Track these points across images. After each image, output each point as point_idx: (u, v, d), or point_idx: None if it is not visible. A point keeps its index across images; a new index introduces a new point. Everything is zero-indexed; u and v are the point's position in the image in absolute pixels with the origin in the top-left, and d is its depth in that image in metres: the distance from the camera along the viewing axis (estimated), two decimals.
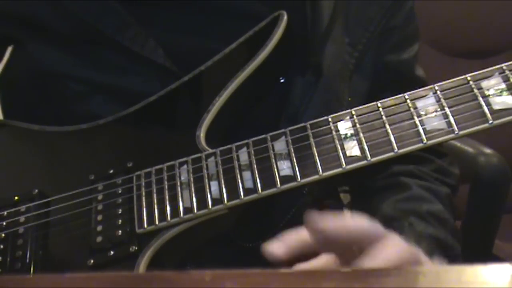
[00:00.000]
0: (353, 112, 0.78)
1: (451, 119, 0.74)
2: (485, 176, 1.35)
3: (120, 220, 0.82)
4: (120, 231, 0.81)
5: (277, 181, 0.77)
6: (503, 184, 1.35)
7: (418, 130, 0.74)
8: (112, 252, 0.80)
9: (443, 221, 0.91)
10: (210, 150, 0.81)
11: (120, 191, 0.84)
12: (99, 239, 0.81)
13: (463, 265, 0.51)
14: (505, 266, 0.51)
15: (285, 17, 0.85)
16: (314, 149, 0.77)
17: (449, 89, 0.76)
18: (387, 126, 0.75)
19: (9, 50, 1.00)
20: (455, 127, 0.73)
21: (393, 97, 0.77)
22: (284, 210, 0.87)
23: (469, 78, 0.76)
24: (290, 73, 0.88)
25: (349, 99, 0.94)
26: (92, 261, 0.80)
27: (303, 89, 0.89)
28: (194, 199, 0.79)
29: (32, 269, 0.80)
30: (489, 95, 0.74)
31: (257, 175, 0.78)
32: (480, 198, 1.38)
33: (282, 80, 0.87)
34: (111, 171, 0.85)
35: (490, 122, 0.73)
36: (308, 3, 0.92)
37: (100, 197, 0.84)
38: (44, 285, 0.55)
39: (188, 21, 0.91)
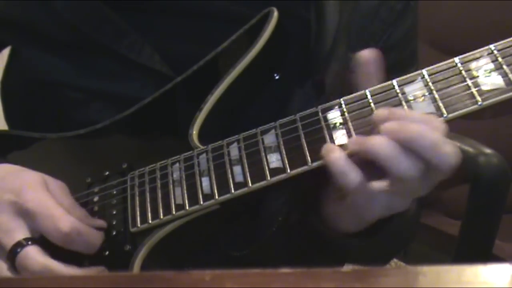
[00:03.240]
0: (342, 101, 0.77)
1: (439, 102, 0.73)
2: (485, 176, 1.35)
3: (114, 221, 0.82)
4: (114, 231, 0.82)
5: (266, 173, 0.76)
6: (503, 184, 1.35)
7: None
8: (107, 252, 0.81)
9: None
10: (202, 147, 0.81)
11: (115, 192, 0.84)
12: None
13: (463, 265, 0.51)
14: (505, 266, 0.51)
15: (275, 13, 0.84)
16: (303, 140, 0.76)
17: (437, 72, 0.75)
18: None
19: (5, 56, 1.01)
20: (443, 110, 0.72)
21: (381, 84, 0.76)
22: (269, 221, 0.87)
23: (457, 61, 0.75)
24: (288, 82, 0.88)
25: None
26: (87, 262, 0.80)
27: (301, 101, 0.89)
28: (186, 196, 0.79)
29: None
30: (477, 76, 0.73)
31: (247, 169, 0.77)
32: (480, 198, 1.38)
33: (276, 77, 0.87)
34: (107, 173, 0.86)
35: (480, 103, 0.72)
36: (313, 17, 0.92)
37: (96, 198, 0.85)
38: (44, 285, 0.55)
39: (183, 27, 0.91)
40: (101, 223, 0.81)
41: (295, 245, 0.90)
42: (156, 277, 0.53)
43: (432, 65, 0.77)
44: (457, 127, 1.52)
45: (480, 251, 1.40)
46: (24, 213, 0.77)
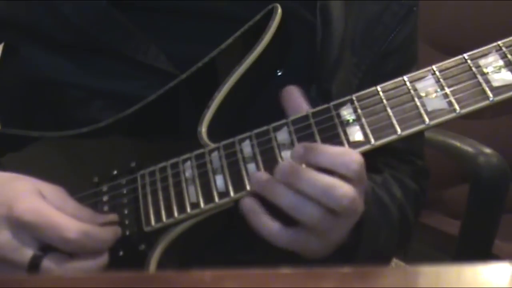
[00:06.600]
0: (354, 98, 0.78)
1: (452, 98, 0.74)
2: (485, 176, 1.35)
3: (127, 220, 0.81)
4: (128, 231, 0.81)
5: None
6: (503, 184, 1.35)
7: (419, 112, 0.74)
8: (121, 252, 0.80)
9: (401, 206, 0.93)
10: (213, 145, 0.81)
11: (125, 192, 0.83)
12: None
13: (463, 265, 0.51)
14: (505, 266, 0.51)
15: (279, 10, 0.84)
16: (318, 137, 0.77)
17: (447, 69, 0.76)
18: (389, 110, 0.75)
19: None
20: (456, 106, 0.74)
21: (392, 81, 0.77)
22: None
23: (466, 57, 0.76)
24: (293, 82, 0.88)
25: None
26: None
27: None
28: (200, 194, 0.78)
29: None
30: (487, 72, 0.74)
31: (261, 166, 0.77)
32: (480, 198, 1.38)
33: (279, 73, 0.87)
34: (115, 172, 0.85)
35: (491, 99, 0.73)
36: (318, 21, 0.92)
37: (105, 198, 0.84)
38: (44, 285, 0.55)
39: (189, 28, 0.91)
40: (112, 217, 0.79)
41: None
42: (156, 277, 0.53)
43: (431, 64, 0.77)
44: (457, 127, 1.53)
45: (480, 251, 1.40)
46: (22, 226, 0.74)
